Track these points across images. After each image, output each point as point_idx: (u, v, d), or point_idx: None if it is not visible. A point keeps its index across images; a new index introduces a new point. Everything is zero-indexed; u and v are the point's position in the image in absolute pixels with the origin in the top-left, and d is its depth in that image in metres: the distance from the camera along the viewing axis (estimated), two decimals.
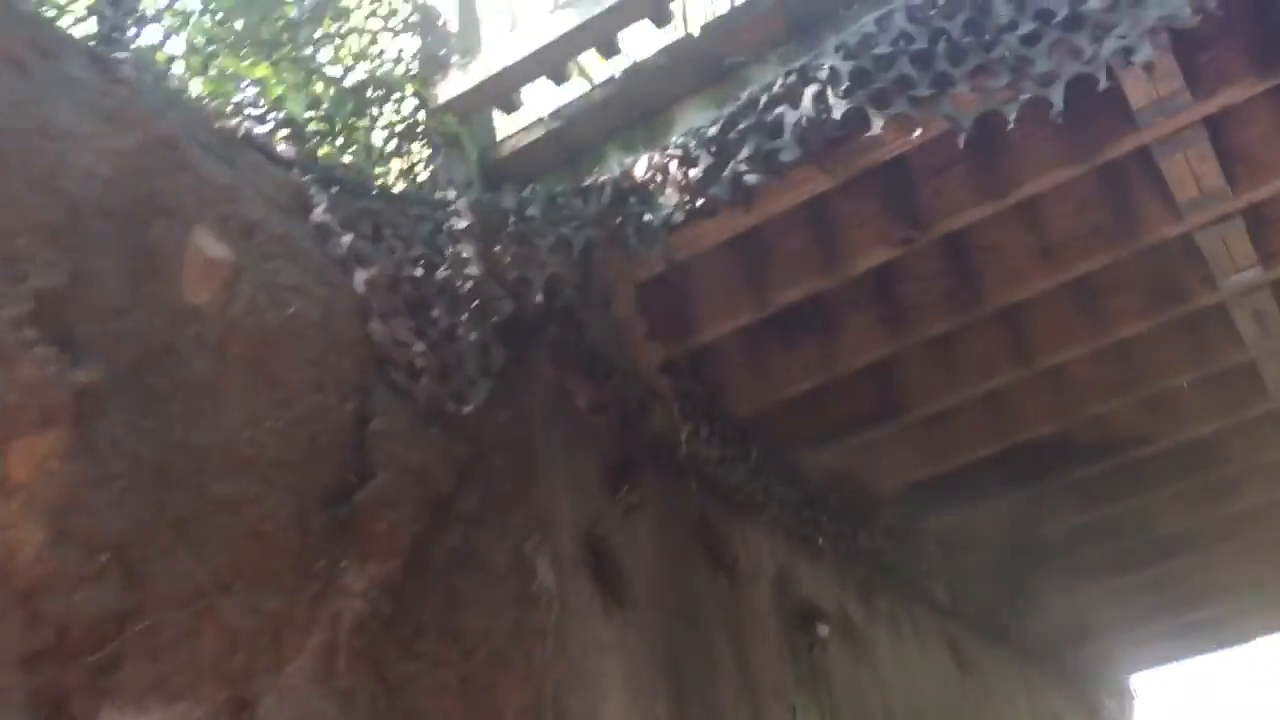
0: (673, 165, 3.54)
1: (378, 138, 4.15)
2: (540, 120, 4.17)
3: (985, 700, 6.90)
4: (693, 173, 3.49)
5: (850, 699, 5.13)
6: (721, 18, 3.81)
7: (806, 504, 5.20)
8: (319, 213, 3.21)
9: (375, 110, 4.20)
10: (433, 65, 4.30)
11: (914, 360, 5.01)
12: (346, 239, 3.24)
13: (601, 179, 3.65)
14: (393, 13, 4.40)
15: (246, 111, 3.39)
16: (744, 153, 3.44)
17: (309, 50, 4.14)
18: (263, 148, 3.21)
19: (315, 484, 2.79)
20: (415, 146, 4.16)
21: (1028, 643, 7.86)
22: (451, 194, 3.66)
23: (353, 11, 4.37)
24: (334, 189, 3.29)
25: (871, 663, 5.52)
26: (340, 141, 4.08)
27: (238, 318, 2.75)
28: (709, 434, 4.35)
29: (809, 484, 5.22)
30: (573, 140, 4.11)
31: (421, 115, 4.19)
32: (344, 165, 3.79)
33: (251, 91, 3.74)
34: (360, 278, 3.21)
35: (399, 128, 4.19)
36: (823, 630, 5.05)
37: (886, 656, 5.73)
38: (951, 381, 5.00)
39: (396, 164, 4.11)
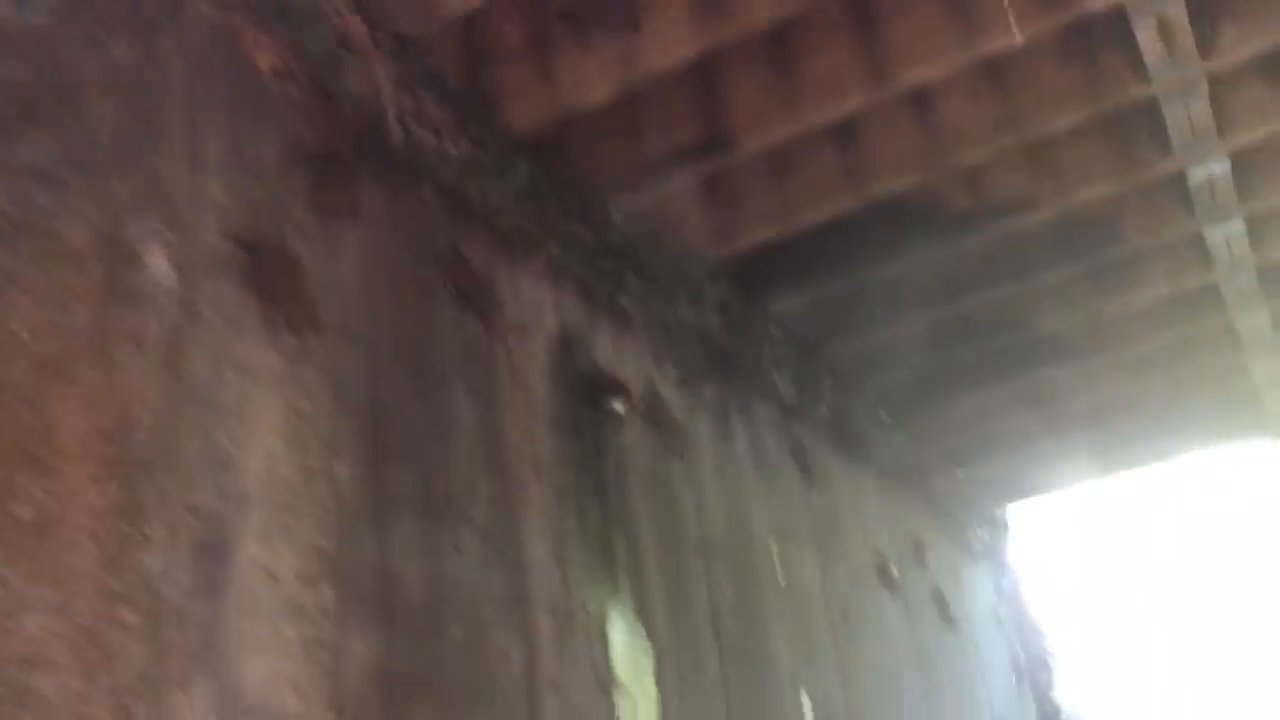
0: None
1: None
2: None
3: (833, 516, 6.37)
4: None
5: (650, 491, 4.47)
6: None
7: (607, 254, 4.42)
8: None
9: None
10: None
11: (742, 73, 4.20)
12: None
13: None
14: None
15: None
16: None
17: None
18: None
19: None
20: None
21: (889, 459, 7.35)
22: None
23: None
24: None
25: (685, 456, 4.86)
26: None
27: None
28: (448, 123, 3.49)
29: (612, 229, 4.43)
30: None
31: None
32: None
33: None
34: None
35: None
36: (618, 407, 4.35)
37: (706, 452, 5.08)
38: (791, 102, 4.20)
39: None
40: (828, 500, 6.35)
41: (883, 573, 6.87)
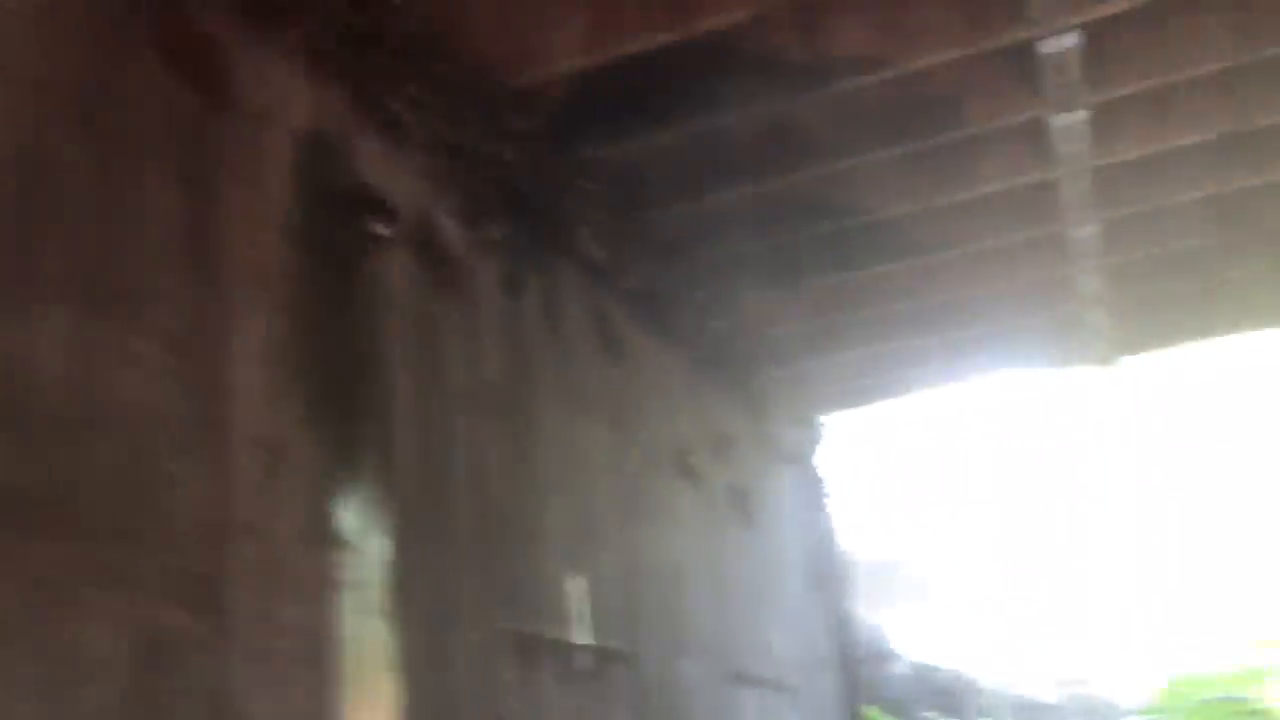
0: None
1: None
2: None
3: (633, 395, 5.97)
4: None
5: (411, 331, 3.95)
6: None
7: (382, 50, 3.81)
8: None
9: None
10: None
11: None
12: None
13: None
14: None
15: None
16: None
17: None
18: None
19: None
20: None
21: (705, 345, 6.97)
22: None
23: None
24: None
25: (461, 300, 4.34)
26: None
27: None
28: None
29: (391, 20, 3.81)
30: None
31: None
32: None
33: None
34: None
35: None
36: (379, 229, 3.79)
37: (489, 300, 4.57)
38: None
39: None
40: (629, 378, 5.94)
41: (682, 463, 6.54)
